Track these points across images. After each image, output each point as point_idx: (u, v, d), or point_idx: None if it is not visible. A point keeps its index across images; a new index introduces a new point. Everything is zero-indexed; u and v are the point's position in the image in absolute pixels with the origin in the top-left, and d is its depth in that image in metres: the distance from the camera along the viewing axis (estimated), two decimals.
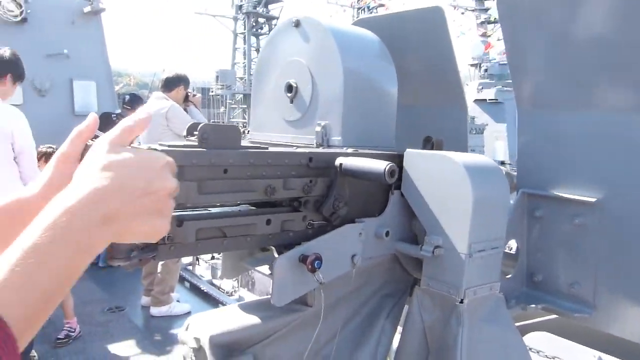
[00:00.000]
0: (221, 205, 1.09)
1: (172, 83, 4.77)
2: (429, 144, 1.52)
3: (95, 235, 0.63)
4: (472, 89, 27.72)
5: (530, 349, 2.31)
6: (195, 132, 0.99)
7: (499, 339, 1.27)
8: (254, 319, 1.16)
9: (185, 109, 4.85)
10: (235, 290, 5.24)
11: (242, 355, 1.11)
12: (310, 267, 1.06)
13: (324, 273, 1.09)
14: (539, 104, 1.74)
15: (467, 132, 1.88)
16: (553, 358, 2.36)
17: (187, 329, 1.14)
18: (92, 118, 0.87)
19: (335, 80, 1.44)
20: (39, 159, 3.85)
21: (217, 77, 32.65)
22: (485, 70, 31.84)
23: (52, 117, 7.01)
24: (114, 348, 4.17)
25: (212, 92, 32.26)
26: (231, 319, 1.15)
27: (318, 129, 1.47)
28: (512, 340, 1.30)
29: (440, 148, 1.52)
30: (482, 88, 27.75)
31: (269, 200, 1.10)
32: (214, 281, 5.81)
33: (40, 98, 7.16)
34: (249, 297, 5.01)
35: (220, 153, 0.98)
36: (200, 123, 1.00)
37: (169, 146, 0.95)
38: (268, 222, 1.08)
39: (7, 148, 3.25)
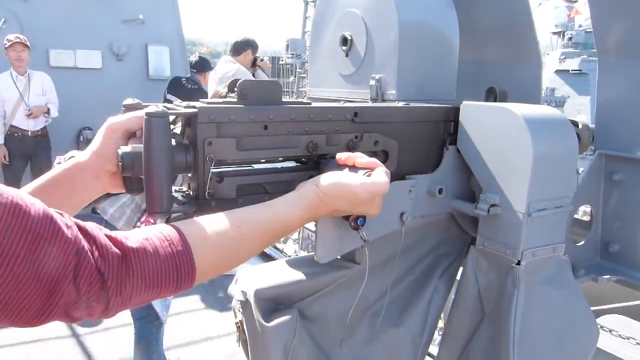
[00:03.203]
0: (267, 162, 1.08)
1: (240, 47, 4.86)
2: (492, 95, 1.42)
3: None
4: (553, 59, 25.41)
5: (601, 327, 2.17)
6: (236, 89, 0.98)
7: (560, 303, 1.19)
8: (301, 275, 1.15)
9: (253, 74, 4.93)
10: (297, 254, 5.34)
11: (288, 309, 1.11)
12: (353, 224, 1.03)
13: (369, 231, 1.06)
14: (624, 53, 1.57)
15: (541, 91, 1.74)
16: (628, 338, 2.22)
17: (235, 282, 1.16)
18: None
19: (390, 31, 1.37)
20: None
21: (287, 45, 32.39)
22: (570, 39, 28.93)
23: (128, 81, 7.47)
24: (181, 301, 4.44)
25: (282, 61, 32.16)
26: (278, 273, 1.16)
27: (372, 82, 1.41)
28: (575, 305, 1.21)
29: (504, 100, 1.41)
30: (565, 58, 25.32)
31: (311, 157, 1.08)
32: (277, 245, 5.94)
33: (118, 62, 7.52)
34: None
35: (259, 109, 0.97)
36: (239, 80, 0.99)
37: (207, 103, 0.95)
38: (310, 177, 1.06)
39: None
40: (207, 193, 0.94)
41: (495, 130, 1.15)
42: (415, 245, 1.30)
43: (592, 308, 1.30)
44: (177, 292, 0.77)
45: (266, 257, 5.51)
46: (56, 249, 0.63)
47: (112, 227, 2.53)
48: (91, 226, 0.70)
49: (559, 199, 1.17)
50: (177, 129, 0.98)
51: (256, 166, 1.05)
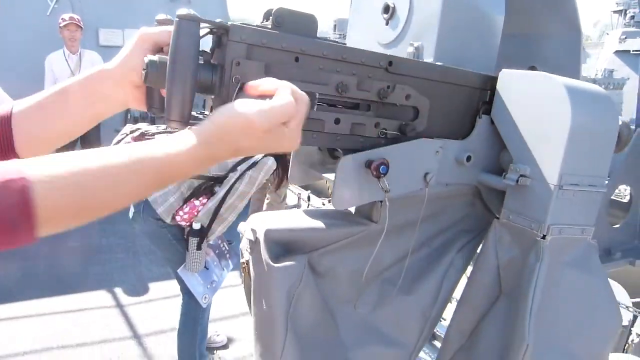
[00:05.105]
0: None
1: None
2: None
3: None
4: (613, 39, 23.99)
5: None
6: (271, 16, 0.96)
7: (583, 287, 1.12)
8: (315, 224, 1.12)
9: None
10: None
11: (296, 256, 1.08)
12: (375, 172, 1.00)
13: (391, 184, 1.02)
14: None
15: (581, 63, 1.66)
16: None
17: (247, 221, 1.13)
18: None
19: None
20: None
21: (335, 25, 31.70)
22: (632, 17, 27.32)
23: None
24: None
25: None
26: (292, 219, 1.12)
27: (410, 49, 1.37)
28: (599, 291, 1.14)
29: None
30: (626, 38, 23.80)
31: (340, 100, 1.05)
32: None
33: None
34: None
35: (292, 38, 0.94)
36: (276, 7, 0.97)
37: (241, 23, 0.93)
38: (337, 121, 1.03)
39: None
40: None
41: (533, 99, 1.11)
42: (436, 216, 1.25)
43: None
44: (16, 242, 0.61)
45: None
46: None
47: (151, 208, 2.56)
48: None
49: (592, 177, 1.11)
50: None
51: None
